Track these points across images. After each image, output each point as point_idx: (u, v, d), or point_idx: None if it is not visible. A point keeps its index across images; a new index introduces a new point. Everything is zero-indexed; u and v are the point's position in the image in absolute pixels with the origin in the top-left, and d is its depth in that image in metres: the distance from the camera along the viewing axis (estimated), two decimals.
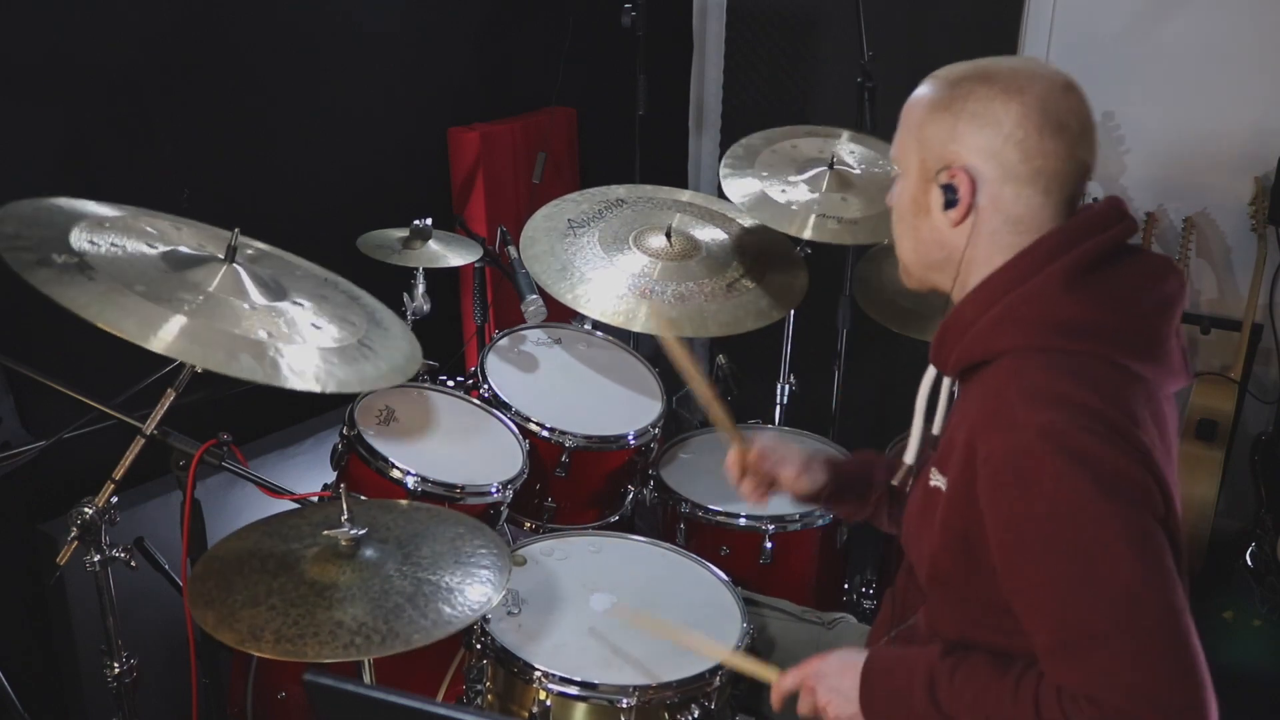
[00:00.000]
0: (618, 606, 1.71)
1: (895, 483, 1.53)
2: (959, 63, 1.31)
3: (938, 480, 1.29)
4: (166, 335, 1.40)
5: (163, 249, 1.58)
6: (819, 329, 2.74)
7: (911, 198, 1.32)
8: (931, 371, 1.43)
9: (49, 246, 1.43)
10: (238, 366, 1.43)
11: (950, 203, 1.27)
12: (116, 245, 1.52)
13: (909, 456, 1.47)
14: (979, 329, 1.25)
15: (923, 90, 1.31)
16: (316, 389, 1.50)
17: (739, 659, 1.54)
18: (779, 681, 1.42)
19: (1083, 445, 1.11)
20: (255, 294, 1.58)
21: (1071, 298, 1.21)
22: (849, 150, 2.51)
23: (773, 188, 2.38)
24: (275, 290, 1.63)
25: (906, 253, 1.38)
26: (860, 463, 1.71)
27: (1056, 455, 1.11)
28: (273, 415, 2.58)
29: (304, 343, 1.56)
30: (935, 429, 1.45)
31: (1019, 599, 1.18)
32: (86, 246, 1.47)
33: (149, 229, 1.63)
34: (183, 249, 1.61)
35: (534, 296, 2.28)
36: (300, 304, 1.64)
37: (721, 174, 2.42)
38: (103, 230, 1.54)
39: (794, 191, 2.37)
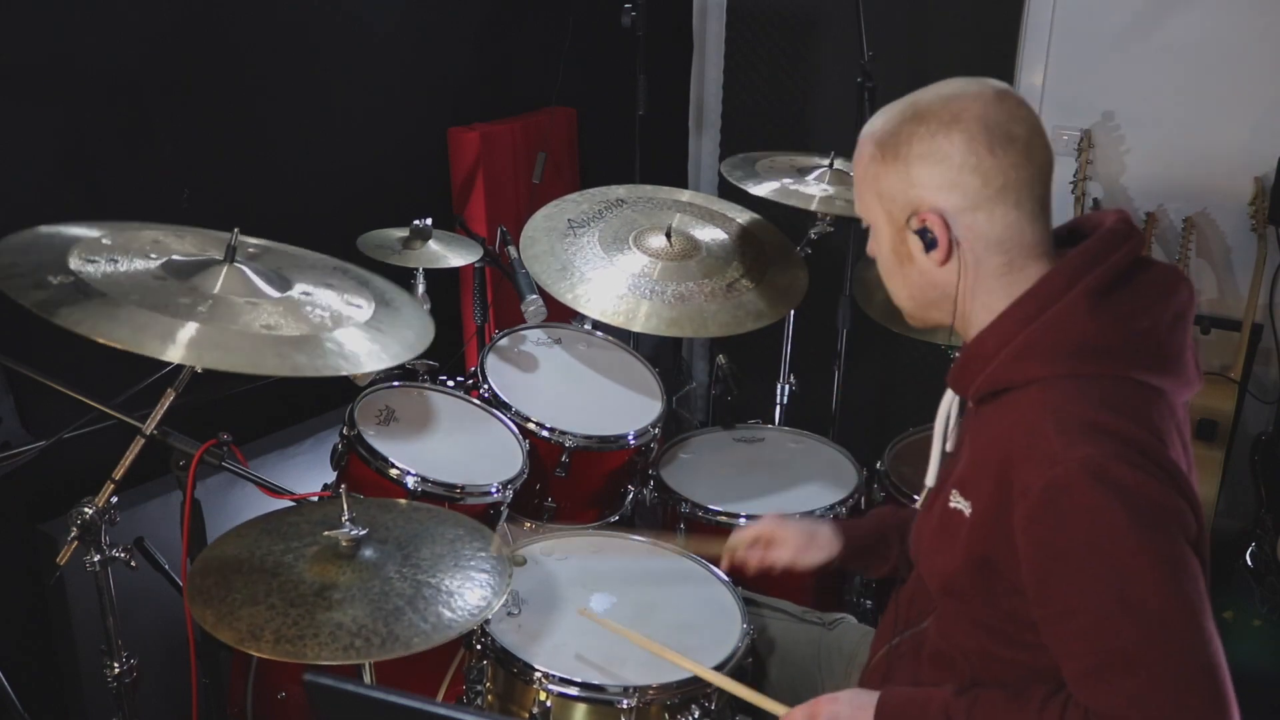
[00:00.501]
0: (601, 617, 1.70)
1: (918, 505, 1.51)
2: (886, 107, 1.30)
3: (959, 503, 1.29)
4: (181, 341, 1.41)
5: (163, 259, 1.59)
6: (819, 329, 2.74)
7: (891, 249, 1.32)
8: (949, 396, 1.43)
9: (45, 270, 1.44)
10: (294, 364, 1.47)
11: (930, 245, 1.27)
12: (115, 261, 1.53)
13: (930, 480, 1.46)
14: (1005, 358, 1.25)
15: (863, 148, 1.31)
16: (385, 364, 1.58)
17: (743, 689, 1.51)
18: (785, 718, 1.42)
19: (1119, 477, 1.12)
20: (268, 289, 1.60)
21: (1095, 320, 1.21)
22: (842, 163, 2.55)
23: (786, 183, 2.44)
24: (283, 283, 1.64)
25: (903, 300, 1.38)
26: (874, 522, 1.72)
27: (1094, 488, 1.12)
28: (273, 415, 2.58)
29: (350, 324, 1.60)
30: (947, 446, 1.45)
31: (1051, 625, 1.19)
32: (84, 267, 1.48)
33: (149, 241, 1.64)
34: (178, 256, 1.61)
35: (534, 296, 2.28)
36: (324, 287, 1.68)
37: (726, 172, 2.45)
38: (101, 249, 1.55)
39: (803, 186, 2.43)
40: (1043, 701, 1.22)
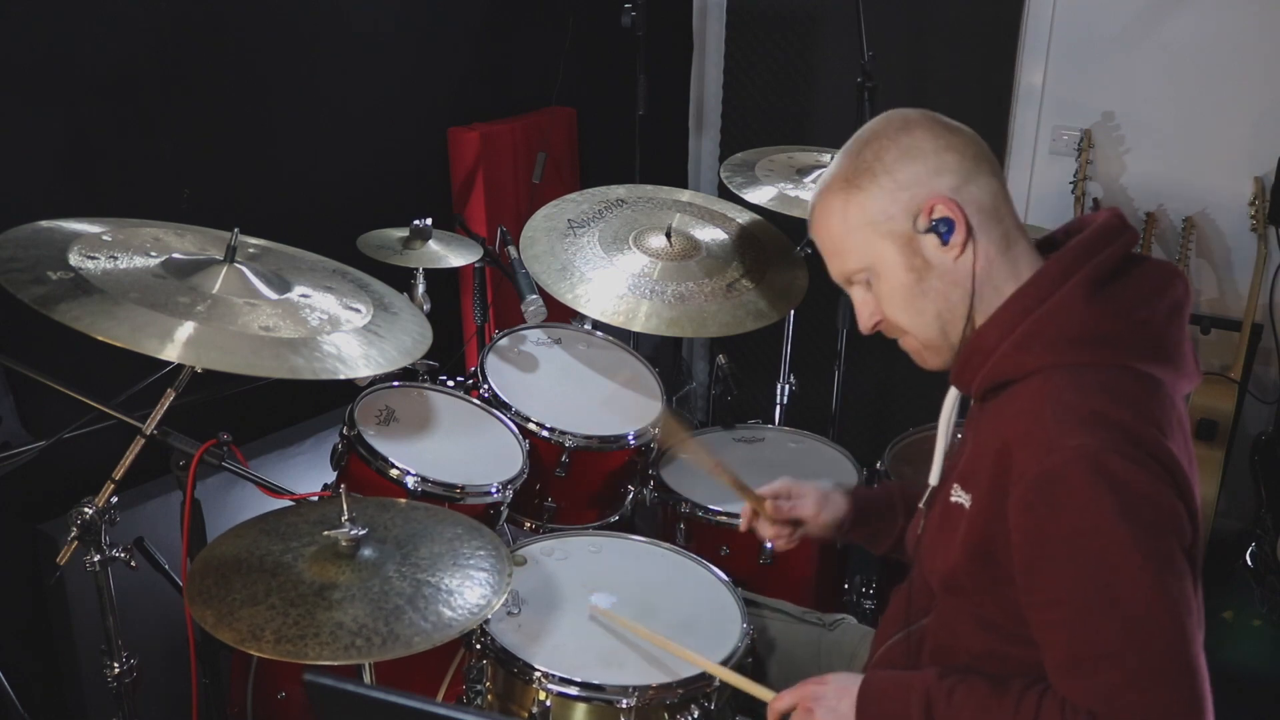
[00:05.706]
0: (607, 611, 1.70)
1: (922, 505, 1.51)
2: (831, 162, 1.35)
3: (960, 497, 1.29)
4: (179, 340, 1.41)
5: (163, 257, 1.59)
6: (819, 329, 2.75)
7: (907, 268, 1.29)
8: (953, 394, 1.43)
9: (45, 265, 1.44)
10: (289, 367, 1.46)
11: (946, 234, 1.26)
12: (115, 258, 1.53)
13: (934, 478, 1.46)
14: (1004, 351, 1.25)
15: (829, 200, 1.32)
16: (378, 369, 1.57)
17: (732, 675, 1.52)
18: (774, 702, 1.42)
19: (1114, 469, 1.12)
20: (267, 290, 1.60)
21: (1092, 310, 1.22)
22: None
23: (783, 188, 2.43)
24: (281, 285, 1.64)
25: (929, 329, 1.31)
26: (883, 490, 1.72)
27: (1088, 478, 1.12)
28: (273, 415, 2.58)
29: (348, 328, 1.59)
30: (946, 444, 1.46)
31: (1035, 612, 1.20)
32: (84, 263, 1.48)
33: (150, 239, 1.64)
34: (178, 255, 1.62)
35: (534, 296, 2.28)
36: (323, 290, 1.67)
37: (725, 177, 2.45)
38: (102, 246, 1.55)
39: (801, 191, 2.43)
40: (1021, 691, 1.22)
